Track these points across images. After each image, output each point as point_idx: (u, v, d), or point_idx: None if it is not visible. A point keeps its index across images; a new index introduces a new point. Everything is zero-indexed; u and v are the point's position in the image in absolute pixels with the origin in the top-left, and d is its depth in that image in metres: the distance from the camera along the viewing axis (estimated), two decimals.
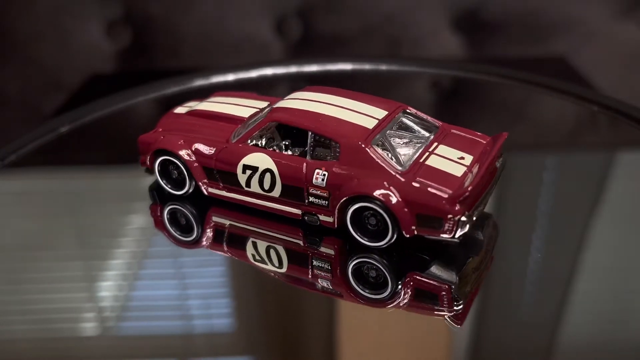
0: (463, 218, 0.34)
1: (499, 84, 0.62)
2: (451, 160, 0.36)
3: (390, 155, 0.36)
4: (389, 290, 0.35)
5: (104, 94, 0.60)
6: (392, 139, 0.38)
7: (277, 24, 0.85)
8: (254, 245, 0.39)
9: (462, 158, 0.36)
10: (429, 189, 0.34)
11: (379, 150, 0.36)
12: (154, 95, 0.62)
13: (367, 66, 0.65)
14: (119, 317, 0.37)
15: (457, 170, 0.35)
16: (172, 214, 0.42)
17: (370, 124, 0.37)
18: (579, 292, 0.37)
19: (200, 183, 0.41)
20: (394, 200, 0.34)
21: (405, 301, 0.34)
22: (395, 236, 0.36)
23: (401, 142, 0.38)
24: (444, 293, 0.34)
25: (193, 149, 0.41)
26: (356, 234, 0.37)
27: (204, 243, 0.40)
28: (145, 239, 0.43)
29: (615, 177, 0.49)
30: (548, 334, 0.34)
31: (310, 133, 0.38)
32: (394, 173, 0.35)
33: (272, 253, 0.38)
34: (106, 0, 0.83)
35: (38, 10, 0.83)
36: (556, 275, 0.38)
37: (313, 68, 0.66)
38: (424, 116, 0.40)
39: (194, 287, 0.38)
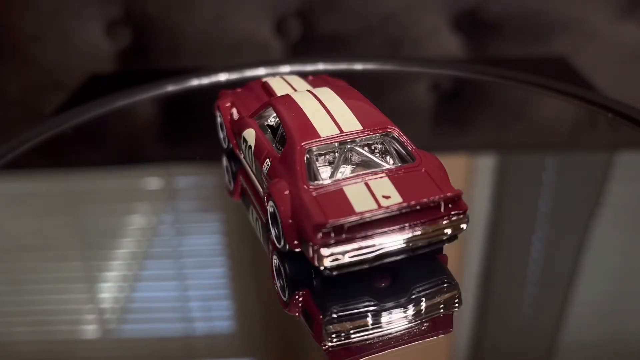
0: (323, 251, 0.31)
1: (499, 84, 0.62)
2: (371, 195, 0.33)
3: (322, 167, 0.35)
4: (285, 296, 0.34)
5: (104, 94, 0.60)
6: (347, 154, 0.37)
7: (277, 24, 0.85)
8: (252, 213, 0.42)
9: (388, 197, 0.32)
10: (310, 209, 0.32)
11: (311, 158, 0.35)
12: (153, 95, 0.62)
13: (366, 66, 0.65)
14: (119, 318, 0.37)
15: (363, 206, 0.32)
16: (226, 166, 0.47)
17: (329, 132, 0.36)
18: (579, 293, 0.37)
19: (231, 143, 0.45)
20: (283, 208, 0.34)
21: (296, 313, 0.33)
22: (283, 243, 0.34)
23: (352, 161, 0.37)
24: (317, 323, 0.32)
25: (231, 112, 0.45)
26: (273, 229, 0.36)
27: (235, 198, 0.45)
28: (145, 239, 0.43)
29: (615, 178, 0.49)
30: (548, 334, 0.34)
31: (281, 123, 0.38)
32: (301, 184, 0.34)
33: (257, 225, 0.40)
34: (106, 0, 0.83)
35: (38, 11, 0.83)
36: (556, 275, 0.38)
37: (312, 68, 0.66)
38: (408, 146, 0.36)
39: (194, 288, 0.38)
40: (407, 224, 0.32)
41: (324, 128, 0.36)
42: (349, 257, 0.32)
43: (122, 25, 0.84)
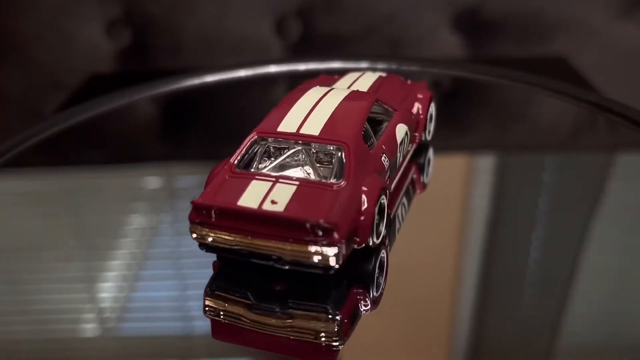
0: (191, 226, 0.34)
1: (498, 84, 0.62)
2: (264, 196, 0.33)
3: (258, 160, 0.36)
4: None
5: (104, 94, 0.60)
6: (297, 154, 0.37)
7: (277, 24, 0.85)
8: None
9: (275, 203, 0.33)
10: (207, 188, 0.35)
11: (258, 148, 0.37)
12: (152, 94, 0.62)
13: (366, 66, 0.65)
14: (119, 318, 0.37)
15: (247, 202, 0.33)
16: None
17: (287, 129, 0.37)
18: (579, 293, 0.37)
19: None
20: (206, 182, 0.36)
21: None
22: None
23: (300, 162, 0.37)
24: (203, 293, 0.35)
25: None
26: None
27: None
28: (145, 239, 0.43)
29: (614, 179, 0.49)
30: (548, 334, 0.34)
31: None
32: (228, 167, 0.36)
33: None
34: (106, 0, 0.83)
35: (38, 10, 0.83)
36: (555, 275, 0.38)
37: (312, 67, 0.66)
38: (347, 165, 0.35)
39: (194, 287, 0.38)
40: (275, 234, 0.32)
41: (288, 124, 0.37)
42: (212, 241, 0.34)
43: (122, 25, 0.84)
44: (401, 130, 0.41)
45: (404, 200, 0.43)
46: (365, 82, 0.45)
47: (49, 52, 0.85)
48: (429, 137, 0.48)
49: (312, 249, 0.32)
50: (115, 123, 0.60)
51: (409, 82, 0.48)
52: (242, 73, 0.64)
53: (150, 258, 0.41)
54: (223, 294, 0.35)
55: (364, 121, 0.38)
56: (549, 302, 0.37)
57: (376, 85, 0.45)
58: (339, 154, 0.36)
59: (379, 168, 0.37)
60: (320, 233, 0.32)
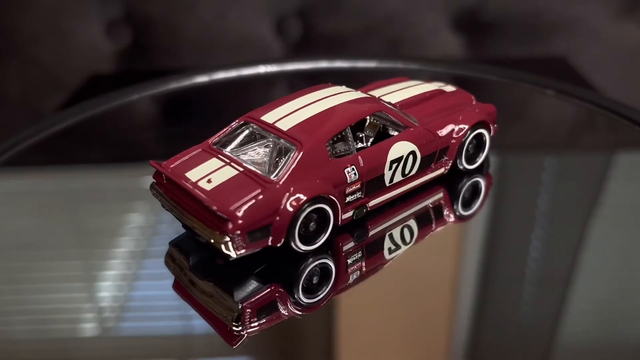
0: (152, 185, 0.38)
1: (499, 84, 0.62)
2: (208, 174, 0.36)
3: (236, 142, 0.39)
4: None
5: (104, 94, 0.60)
6: (267, 143, 0.38)
7: (277, 24, 0.85)
8: None
9: (210, 182, 0.35)
10: (177, 155, 0.38)
11: (242, 131, 0.39)
12: (152, 93, 0.62)
13: (366, 64, 0.65)
14: (118, 317, 0.37)
15: (191, 176, 0.36)
16: None
17: (268, 119, 0.39)
18: (578, 293, 0.37)
19: None
20: None
21: None
22: None
23: (266, 150, 0.38)
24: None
25: None
26: None
27: None
28: (144, 238, 0.43)
29: (614, 179, 0.49)
30: (547, 334, 0.34)
31: None
32: (207, 142, 0.39)
33: None
34: (106, 0, 0.83)
35: (38, 10, 0.83)
36: (555, 275, 0.38)
37: (312, 67, 0.66)
38: (287, 166, 0.36)
39: None
40: (195, 210, 0.35)
41: (272, 115, 0.39)
42: (159, 200, 0.38)
43: (122, 25, 0.84)
44: (401, 148, 0.40)
45: (411, 222, 0.41)
46: (410, 91, 0.45)
47: (49, 52, 0.85)
48: (468, 165, 0.44)
49: (210, 233, 0.34)
50: (115, 123, 0.60)
51: (474, 102, 0.46)
52: (242, 73, 0.64)
53: (149, 257, 0.41)
54: (178, 253, 0.38)
55: (342, 127, 0.38)
56: (548, 302, 0.37)
57: (418, 98, 0.44)
58: (292, 152, 0.36)
59: (335, 178, 0.37)
60: (220, 220, 0.33)
